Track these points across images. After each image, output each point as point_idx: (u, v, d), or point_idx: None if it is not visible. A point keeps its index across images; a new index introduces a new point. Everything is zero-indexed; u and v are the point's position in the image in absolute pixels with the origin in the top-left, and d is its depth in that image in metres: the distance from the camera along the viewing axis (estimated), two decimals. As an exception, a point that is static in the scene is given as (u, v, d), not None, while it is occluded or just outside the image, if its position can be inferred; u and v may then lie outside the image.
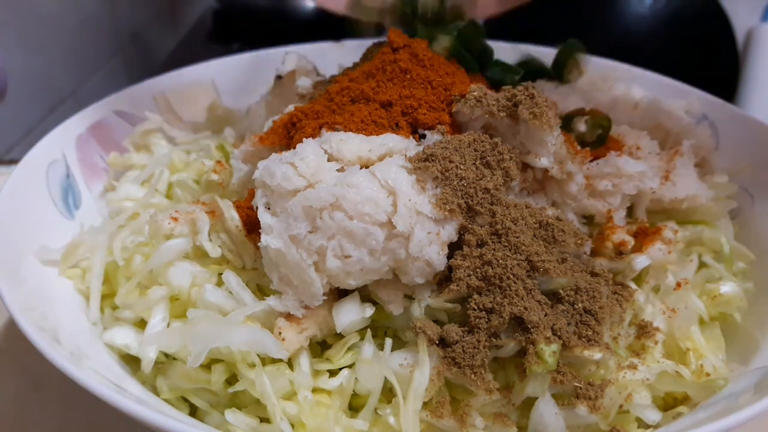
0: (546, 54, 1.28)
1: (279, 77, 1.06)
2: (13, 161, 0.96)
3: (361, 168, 0.74)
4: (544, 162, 0.81)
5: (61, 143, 1.01)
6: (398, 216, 0.71)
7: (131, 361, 0.78)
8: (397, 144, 0.79)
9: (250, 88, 1.25)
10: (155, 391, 0.75)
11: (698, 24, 1.97)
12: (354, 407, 0.74)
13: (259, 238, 0.73)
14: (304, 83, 1.02)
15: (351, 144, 0.77)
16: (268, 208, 0.73)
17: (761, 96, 1.94)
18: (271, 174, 0.73)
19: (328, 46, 1.32)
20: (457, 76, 0.91)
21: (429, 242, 0.72)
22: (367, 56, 1.01)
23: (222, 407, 0.73)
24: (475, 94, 0.82)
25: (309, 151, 0.74)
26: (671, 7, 1.94)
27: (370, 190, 0.71)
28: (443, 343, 0.72)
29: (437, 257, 0.73)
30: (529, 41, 1.32)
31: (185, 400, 0.75)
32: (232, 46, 2.13)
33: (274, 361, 0.72)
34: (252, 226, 0.81)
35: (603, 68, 1.23)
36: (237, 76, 1.30)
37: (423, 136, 0.83)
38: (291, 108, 0.92)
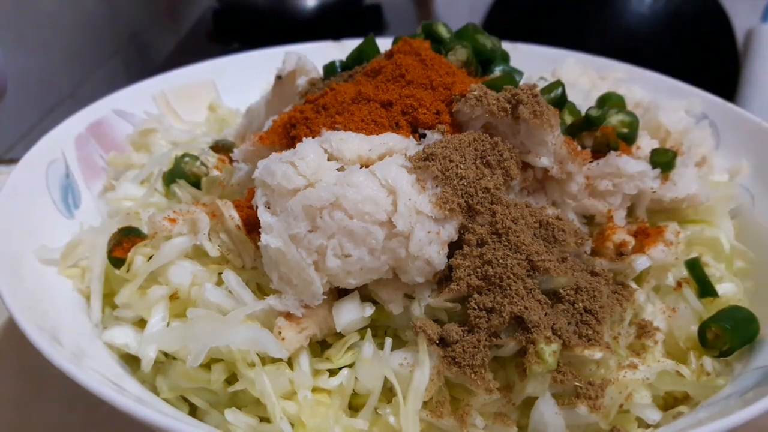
0: (546, 54, 1.28)
1: (279, 77, 1.06)
2: (13, 161, 0.96)
3: (361, 167, 0.74)
4: (544, 161, 0.81)
5: (60, 143, 1.01)
6: (398, 215, 0.71)
7: (131, 361, 0.78)
8: (397, 143, 0.79)
9: (250, 87, 1.25)
10: (155, 390, 0.75)
11: (698, 24, 1.97)
12: (354, 407, 0.73)
13: (260, 237, 0.73)
14: (304, 83, 1.02)
15: (351, 143, 0.77)
16: (268, 208, 0.73)
17: (761, 96, 1.95)
18: (271, 173, 0.73)
19: (328, 46, 1.32)
20: (458, 75, 0.91)
21: (429, 241, 0.72)
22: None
23: (222, 407, 0.72)
24: (476, 93, 0.82)
25: (309, 150, 0.74)
26: (671, 7, 1.94)
27: (370, 190, 0.71)
28: (443, 342, 0.72)
29: (437, 256, 0.73)
30: (528, 41, 1.32)
31: (185, 399, 0.74)
32: (232, 46, 2.13)
33: (274, 360, 0.72)
34: (252, 226, 0.81)
35: (603, 68, 1.23)
36: (237, 76, 1.30)
37: (423, 136, 0.82)
38: (291, 108, 0.92)
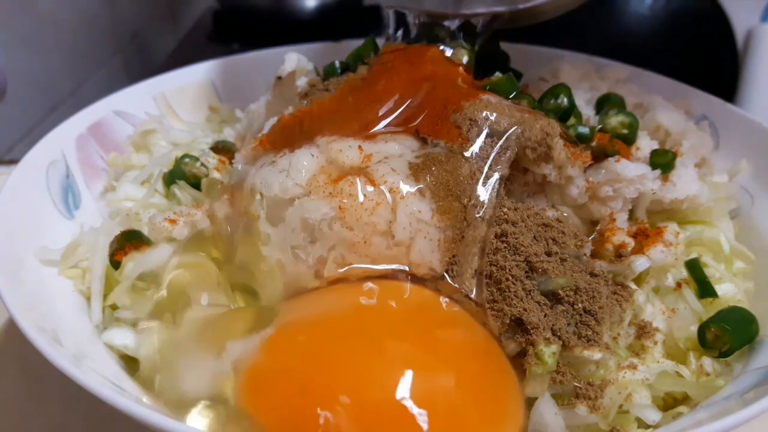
0: (545, 54, 1.28)
1: (279, 78, 1.06)
2: (13, 161, 0.96)
3: (359, 175, 0.74)
4: (544, 171, 0.81)
5: (61, 143, 1.00)
6: (398, 224, 0.70)
7: (131, 362, 0.78)
8: (396, 150, 0.79)
9: (250, 88, 1.25)
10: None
11: (698, 24, 1.97)
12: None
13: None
14: (304, 84, 1.02)
15: (348, 151, 0.76)
16: (268, 217, 0.73)
17: (761, 96, 1.94)
18: (267, 184, 0.72)
19: (328, 46, 1.32)
20: (459, 87, 0.90)
21: (431, 250, 0.72)
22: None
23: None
24: (469, 115, 0.82)
25: (305, 158, 0.74)
26: (671, 7, 1.94)
27: (368, 198, 0.71)
28: (443, 343, 0.72)
29: (438, 264, 0.72)
30: (528, 41, 1.32)
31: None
32: (232, 46, 2.13)
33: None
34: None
35: (603, 68, 1.23)
36: (237, 76, 1.30)
37: (425, 140, 0.82)
38: (291, 109, 0.92)
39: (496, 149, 0.79)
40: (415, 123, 0.82)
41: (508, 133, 0.80)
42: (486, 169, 0.78)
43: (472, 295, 0.72)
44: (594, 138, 0.89)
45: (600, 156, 0.89)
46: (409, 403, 0.59)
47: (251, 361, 0.65)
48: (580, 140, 0.88)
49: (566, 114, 0.90)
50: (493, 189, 0.78)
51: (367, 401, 0.60)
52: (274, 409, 0.61)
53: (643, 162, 0.93)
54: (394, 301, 0.71)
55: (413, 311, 0.71)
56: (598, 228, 0.89)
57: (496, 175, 0.79)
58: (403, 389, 0.60)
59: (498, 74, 0.96)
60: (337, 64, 1.03)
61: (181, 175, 0.98)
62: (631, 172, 0.87)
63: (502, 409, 0.66)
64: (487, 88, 0.90)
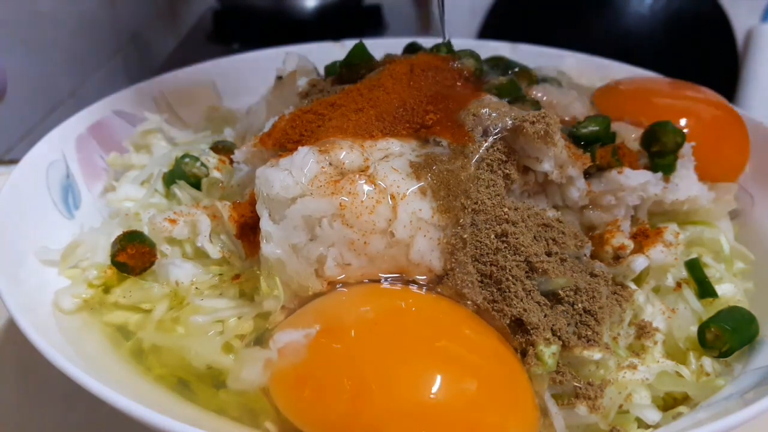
0: (546, 54, 1.28)
1: (279, 78, 1.06)
2: (13, 161, 0.96)
3: (360, 174, 0.74)
4: (545, 167, 0.81)
5: (61, 143, 1.01)
6: (398, 223, 0.70)
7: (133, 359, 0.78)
8: (398, 149, 0.79)
9: (250, 88, 1.25)
10: (146, 369, 0.74)
11: (698, 24, 1.97)
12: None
13: (257, 237, 0.73)
14: (305, 84, 1.02)
15: (349, 150, 0.76)
16: (270, 216, 0.73)
17: (761, 96, 1.95)
18: (269, 183, 0.73)
19: (328, 46, 1.32)
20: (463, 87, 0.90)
21: (430, 249, 0.72)
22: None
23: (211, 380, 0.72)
24: (473, 111, 0.82)
25: (307, 158, 0.74)
26: (671, 8, 1.95)
27: (369, 197, 0.71)
28: (443, 343, 0.72)
29: (438, 263, 0.72)
30: (528, 41, 1.32)
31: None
32: (232, 46, 2.13)
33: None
34: (253, 226, 0.81)
35: (603, 68, 1.23)
36: (237, 76, 1.30)
37: (427, 140, 0.82)
38: (291, 109, 0.92)
39: (497, 147, 0.79)
40: (418, 123, 0.82)
41: (508, 130, 0.80)
42: (487, 167, 0.78)
43: (473, 296, 0.71)
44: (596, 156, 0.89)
45: (604, 169, 0.88)
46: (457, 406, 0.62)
47: (293, 361, 0.65)
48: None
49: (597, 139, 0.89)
50: (494, 188, 0.78)
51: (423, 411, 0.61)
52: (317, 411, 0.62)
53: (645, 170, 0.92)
54: (420, 302, 0.72)
55: (439, 313, 0.71)
56: (597, 231, 0.89)
57: (497, 174, 0.79)
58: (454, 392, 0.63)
59: (500, 78, 0.95)
60: (337, 64, 1.03)
61: (181, 175, 0.98)
62: (634, 180, 0.87)
63: (532, 405, 0.67)
64: (493, 91, 0.89)
